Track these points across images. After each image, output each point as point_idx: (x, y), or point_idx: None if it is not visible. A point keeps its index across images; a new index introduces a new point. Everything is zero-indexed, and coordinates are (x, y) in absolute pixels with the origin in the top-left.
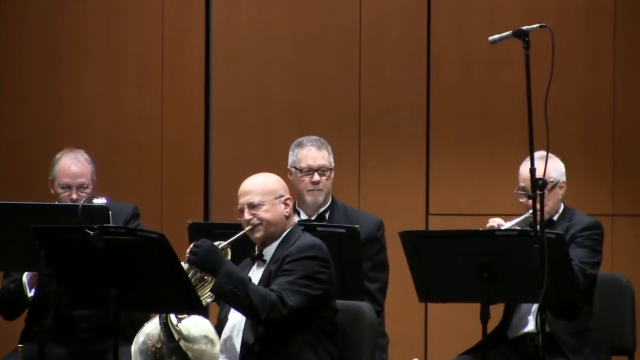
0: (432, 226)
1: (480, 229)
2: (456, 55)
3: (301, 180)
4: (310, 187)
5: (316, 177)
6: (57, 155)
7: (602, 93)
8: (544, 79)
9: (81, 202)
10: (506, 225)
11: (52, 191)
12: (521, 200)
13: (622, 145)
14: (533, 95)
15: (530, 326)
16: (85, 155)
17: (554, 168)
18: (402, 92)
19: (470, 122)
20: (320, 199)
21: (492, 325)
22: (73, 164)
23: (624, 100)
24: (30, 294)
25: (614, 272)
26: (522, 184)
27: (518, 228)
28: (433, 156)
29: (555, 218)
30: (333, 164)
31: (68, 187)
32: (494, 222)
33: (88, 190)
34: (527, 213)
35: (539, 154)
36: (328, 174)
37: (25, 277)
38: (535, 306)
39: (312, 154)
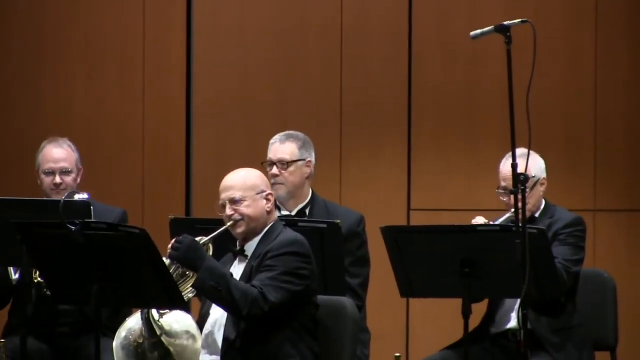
0: (414, 221)
1: (463, 225)
2: (438, 50)
3: (267, 174)
4: (271, 180)
5: (274, 170)
6: (42, 145)
7: (584, 88)
8: (525, 75)
9: (63, 198)
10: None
11: (38, 181)
12: (503, 199)
13: (604, 141)
14: (515, 91)
15: (513, 322)
16: (69, 142)
17: (534, 165)
18: (384, 87)
19: (451, 118)
20: (281, 193)
21: (475, 321)
22: (56, 151)
23: (605, 96)
24: (15, 276)
25: (596, 268)
26: (503, 184)
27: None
28: (415, 151)
29: (537, 215)
30: (303, 159)
31: (52, 172)
32: (478, 221)
33: (73, 176)
34: (510, 212)
35: (520, 152)
36: (291, 168)
37: None
38: (518, 302)
39: (274, 147)
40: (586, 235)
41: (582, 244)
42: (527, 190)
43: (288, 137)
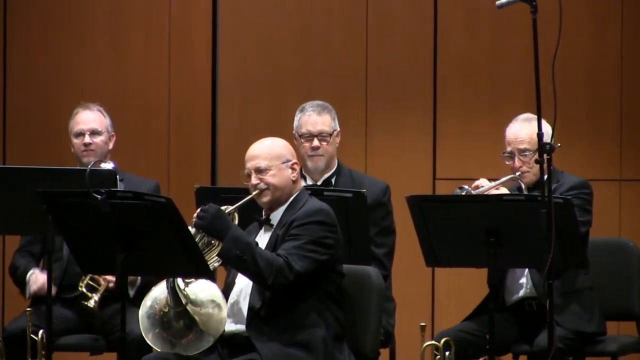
0: (439, 191)
1: (488, 194)
2: (463, 19)
3: (302, 146)
4: (310, 152)
5: (315, 142)
6: (73, 112)
7: (609, 58)
8: (550, 44)
9: (89, 167)
10: (490, 184)
11: (71, 149)
12: (507, 163)
13: (629, 110)
14: (540, 60)
15: (525, 289)
16: (100, 107)
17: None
18: (409, 56)
19: (476, 87)
20: (321, 164)
21: (485, 290)
22: (85, 112)
23: (630, 65)
24: (28, 293)
25: (621, 237)
26: (508, 148)
27: (524, 193)
28: (440, 121)
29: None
30: (336, 129)
31: (81, 133)
32: (481, 182)
33: (102, 138)
34: (514, 174)
35: (524, 116)
36: (329, 139)
37: (29, 275)
38: (527, 269)
39: (312, 119)
40: (592, 198)
41: (588, 207)
42: (531, 153)
43: (323, 108)
